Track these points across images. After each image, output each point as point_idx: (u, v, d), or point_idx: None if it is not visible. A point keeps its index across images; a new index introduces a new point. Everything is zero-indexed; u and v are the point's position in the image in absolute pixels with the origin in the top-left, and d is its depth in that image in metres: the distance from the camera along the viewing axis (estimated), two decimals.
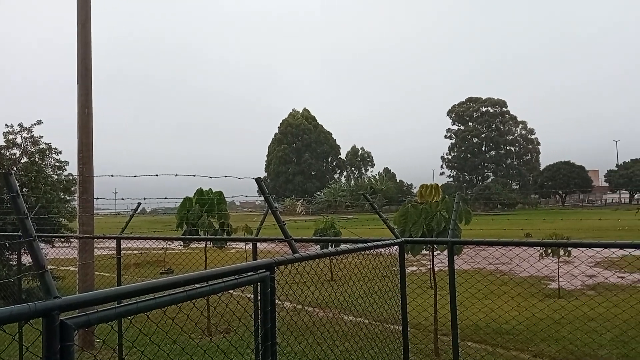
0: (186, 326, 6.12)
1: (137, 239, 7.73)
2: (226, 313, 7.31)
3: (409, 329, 7.81)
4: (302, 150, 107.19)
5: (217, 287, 2.43)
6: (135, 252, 16.41)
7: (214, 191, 9.73)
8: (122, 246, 7.77)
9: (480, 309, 7.17)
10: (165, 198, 5.22)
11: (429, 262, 8.99)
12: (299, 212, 74.90)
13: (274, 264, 2.72)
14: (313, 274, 4.15)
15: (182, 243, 11.07)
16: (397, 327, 5.27)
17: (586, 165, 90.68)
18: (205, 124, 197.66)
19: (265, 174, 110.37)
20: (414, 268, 14.89)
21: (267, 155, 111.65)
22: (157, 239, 7.70)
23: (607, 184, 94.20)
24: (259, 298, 2.74)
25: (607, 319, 7.71)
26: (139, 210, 8.30)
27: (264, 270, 2.71)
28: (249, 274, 2.67)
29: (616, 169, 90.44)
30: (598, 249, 4.92)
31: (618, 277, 13.02)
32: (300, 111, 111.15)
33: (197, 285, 2.33)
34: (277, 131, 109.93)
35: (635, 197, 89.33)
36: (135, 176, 3.67)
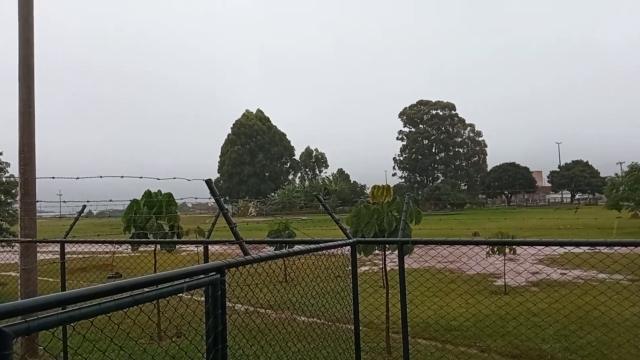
0: (135, 331, 5.96)
1: (83, 242, 7.47)
2: (177, 317, 7.17)
3: (362, 328, 7.89)
4: (256, 151, 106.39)
5: (166, 291, 2.38)
6: (81, 256, 15.82)
7: (163, 193, 9.51)
8: (66, 250, 7.48)
9: (430, 306, 7.34)
10: (110, 200, 5.05)
11: (381, 262, 9.13)
12: (250, 214, 74.20)
13: (224, 266, 2.70)
14: (266, 275, 4.14)
15: (130, 246, 10.77)
16: (349, 327, 5.33)
17: (530, 166, 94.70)
18: (152, 123, 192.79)
19: (219, 175, 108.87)
20: (367, 268, 15.08)
21: (220, 156, 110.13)
22: (103, 242, 7.46)
23: (550, 185, 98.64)
24: (210, 301, 2.71)
25: (549, 314, 8.08)
26: (84, 212, 8.01)
27: (214, 273, 2.68)
28: (200, 276, 2.63)
29: (558, 170, 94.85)
30: (540, 247, 5.14)
31: (560, 273, 13.64)
32: (254, 112, 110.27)
33: (145, 289, 2.28)
34: (230, 132, 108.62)
35: (577, 197, 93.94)
36: (77, 178, 3.54)
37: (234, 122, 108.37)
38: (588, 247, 5.15)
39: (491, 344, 7.39)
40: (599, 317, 7.91)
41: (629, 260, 8.19)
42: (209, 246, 8.00)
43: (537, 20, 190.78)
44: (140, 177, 3.33)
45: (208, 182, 3.00)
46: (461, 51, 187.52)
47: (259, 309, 7.97)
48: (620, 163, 79.36)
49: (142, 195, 9.39)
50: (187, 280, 2.51)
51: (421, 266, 10.11)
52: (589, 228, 24.74)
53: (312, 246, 4.05)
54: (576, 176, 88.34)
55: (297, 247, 4.35)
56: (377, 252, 8.18)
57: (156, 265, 9.29)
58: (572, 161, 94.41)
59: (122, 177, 3.20)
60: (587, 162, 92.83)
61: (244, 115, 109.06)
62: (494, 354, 7.03)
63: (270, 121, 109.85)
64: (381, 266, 9.08)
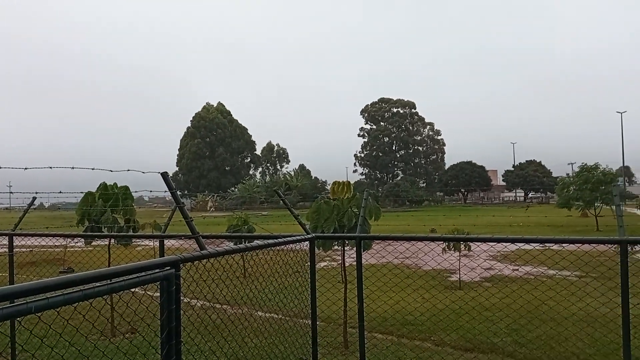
0: (87, 327, 5.79)
1: (33, 235, 7.19)
2: (131, 313, 7.00)
3: (320, 323, 7.92)
4: (216, 145, 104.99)
5: (118, 285, 2.32)
6: (31, 249, 15.23)
7: (119, 186, 9.26)
8: (15, 243, 7.19)
9: (386, 301, 7.45)
10: (60, 192, 4.88)
11: (340, 257, 9.19)
12: (209, 208, 73.15)
13: (179, 261, 2.65)
14: (222, 271, 4.10)
15: (83, 240, 10.44)
16: (307, 322, 5.35)
17: (486, 165, 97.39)
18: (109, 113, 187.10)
19: (177, 169, 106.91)
20: (327, 263, 15.16)
21: (178, 150, 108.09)
22: (55, 235, 7.21)
23: (504, 183, 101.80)
24: (164, 296, 2.66)
25: (501, 308, 8.34)
26: (35, 205, 7.70)
27: (169, 267, 2.63)
28: (154, 271, 2.58)
29: (513, 169, 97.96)
30: (492, 243, 5.30)
31: (512, 269, 14.09)
32: (215, 105, 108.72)
33: (97, 284, 2.21)
34: (189, 125, 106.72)
35: (530, 195, 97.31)
36: (25, 168, 3.40)
37: (193, 115, 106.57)
38: (538, 244, 5.35)
39: (445, 338, 7.57)
40: (547, 312, 8.24)
41: (576, 256, 8.57)
42: (165, 241, 7.85)
43: (492, 26, 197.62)
44: (92, 169, 3.23)
45: (164, 175, 2.94)
46: (421, 52, 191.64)
47: (216, 305, 7.89)
48: (572, 164, 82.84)
49: (97, 188, 9.12)
50: (140, 274, 2.46)
51: (379, 262, 10.24)
52: (541, 226, 25.66)
53: (270, 241, 4.04)
54: (529, 175, 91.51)
55: (256, 242, 4.32)
56: (337, 247, 8.24)
57: (110, 260, 9.05)
58: (526, 161, 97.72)
59: (72, 167, 3.10)
60: (540, 162, 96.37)
61: (204, 108, 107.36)
62: (448, 348, 7.20)
63: (231, 115, 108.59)
64: (340, 261, 9.15)
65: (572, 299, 8.26)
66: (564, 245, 5.50)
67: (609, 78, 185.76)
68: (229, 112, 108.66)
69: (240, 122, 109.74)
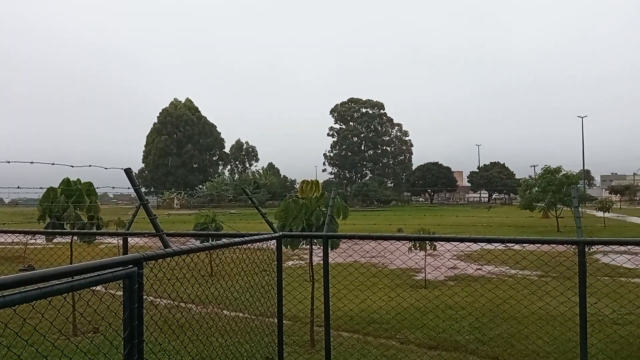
0: (47, 326, 5.63)
1: None
2: (94, 312, 6.85)
3: (287, 322, 7.91)
4: (184, 142, 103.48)
5: (78, 284, 2.27)
6: None
7: (82, 182, 9.02)
8: None
9: (351, 299, 7.51)
10: (19, 187, 4.72)
11: (309, 256, 9.21)
12: (175, 206, 71.88)
13: (142, 259, 2.61)
14: (187, 269, 4.05)
15: (44, 237, 10.13)
16: (273, 320, 5.34)
17: (452, 166, 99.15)
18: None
19: (143, 166, 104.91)
20: (295, 262, 15.16)
21: (145, 146, 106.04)
22: (14, 232, 6.98)
23: (469, 184, 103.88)
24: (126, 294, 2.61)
25: (463, 307, 8.52)
26: None
27: (131, 265, 2.59)
28: (117, 269, 2.53)
29: (477, 170, 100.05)
30: (455, 243, 5.40)
31: (475, 269, 14.40)
32: (183, 101, 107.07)
33: (56, 282, 2.16)
34: (156, 121, 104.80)
35: (494, 196, 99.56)
36: None
37: (160, 110, 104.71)
38: (501, 244, 5.48)
39: (410, 336, 7.68)
40: (508, 311, 8.45)
41: (536, 256, 8.84)
42: (131, 239, 7.70)
43: (457, 30, 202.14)
44: (53, 164, 3.14)
45: (127, 171, 2.89)
46: (386, 52, 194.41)
47: (182, 304, 7.79)
48: (534, 166, 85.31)
49: (60, 183, 8.86)
50: (102, 272, 2.41)
51: (345, 260, 10.31)
52: (503, 226, 26.27)
53: (236, 239, 4.02)
54: (493, 177, 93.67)
55: (222, 241, 4.29)
56: (306, 246, 8.25)
57: (72, 257, 8.82)
58: (490, 163, 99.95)
59: (32, 162, 3.00)
60: (504, 164, 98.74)
61: (171, 104, 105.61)
62: (412, 346, 7.30)
63: (199, 111, 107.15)
64: (308, 260, 9.16)
65: (532, 298, 8.51)
66: (524, 245, 5.66)
67: (567, 82, 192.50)
68: (197, 108, 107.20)
69: (209, 119, 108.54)
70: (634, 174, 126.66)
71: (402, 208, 74.50)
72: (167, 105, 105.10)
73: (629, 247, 17.40)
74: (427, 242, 11.68)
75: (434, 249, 13.33)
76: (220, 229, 14.56)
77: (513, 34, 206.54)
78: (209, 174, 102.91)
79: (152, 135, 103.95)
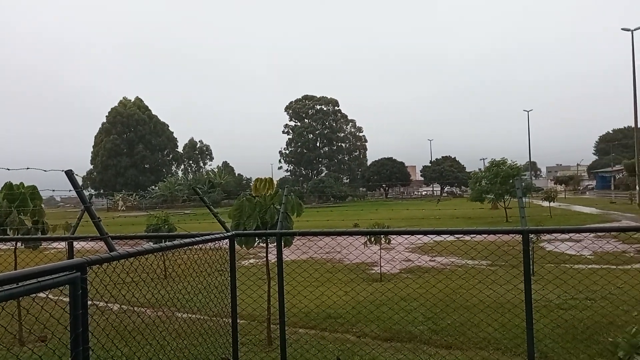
0: None
1: None
2: (43, 320, 6.57)
3: (243, 321, 7.86)
4: (135, 142, 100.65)
5: (17, 291, 2.19)
6: None
7: (26, 185, 8.64)
8: None
9: (306, 296, 7.54)
10: None
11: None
12: (119, 208, 69.67)
13: (85, 263, 2.54)
14: (140, 272, 3.96)
15: None
16: (228, 320, 5.30)
17: (406, 161, 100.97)
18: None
19: (92, 167, 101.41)
20: (252, 260, 15.07)
21: (93, 147, 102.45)
22: None
23: (422, 178, 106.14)
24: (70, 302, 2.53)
25: (415, 298, 8.71)
26: None
27: (74, 270, 2.51)
28: (59, 275, 2.45)
29: (430, 165, 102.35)
30: (407, 236, 5.52)
31: (428, 260, 14.73)
32: (132, 100, 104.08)
33: None
34: (104, 120, 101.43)
35: (446, 189, 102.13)
36: None
37: (109, 110, 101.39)
38: (453, 236, 5.63)
39: (366, 329, 7.79)
40: (459, 300, 8.72)
41: (483, 246, 9.16)
42: (77, 243, 7.45)
43: (406, 30, 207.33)
44: None
45: (68, 173, 2.79)
46: (335, 50, 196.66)
47: (134, 308, 7.60)
48: (483, 159, 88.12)
49: (2, 188, 8.47)
50: (42, 279, 2.32)
51: (298, 257, 10.33)
52: (455, 218, 27.01)
53: (186, 240, 3.96)
54: (445, 171, 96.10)
55: (173, 242, 4.21)
56: (263, 245, 8.21)
57: (16, 264, 8.45)
58: (442, 157, 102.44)
59: None
60: (455, 158, 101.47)
61: (121, 103, 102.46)
62: (368, 338, 7.41)
63: (150, 110, 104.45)
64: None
65: (481, 287, 8.81)
66: (472, 236, 5.85)
67: (512, 82, 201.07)
68: (147, 107, 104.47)
69: (160, 118, 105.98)
70: (577, 164, 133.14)
71: (358, 203, 75.32)
72: (116, 105, 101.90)
73: (570, 234, 18.23)
74: (381, 236, 11.87)
75: (388, 243, 13.55)
76: (174, 230, 14.29)
77: (460, 39, 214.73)
78: (161, 174, 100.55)
79: (101, 136, 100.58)
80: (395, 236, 12.30)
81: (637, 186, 42.59)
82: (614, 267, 11.51)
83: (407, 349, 6.78)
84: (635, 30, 42.56)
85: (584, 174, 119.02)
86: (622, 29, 43.15)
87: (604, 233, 17.42)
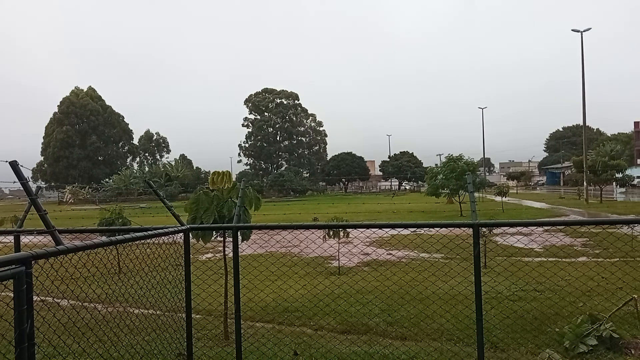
0: None
1: None
2: None
3: (200, 316, 7.79)
4: (88, 133, 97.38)
5: None
6: None
7: None
8: None
9: (262, 289, 7.54)
10: None
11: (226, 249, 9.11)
12: (66, 200, 67.22)
13: (30, 257, 2.46)
14: (89, 267, 3.86)
15: None
16: (183, 316, 5.24)
17: (365, 156, 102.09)
18: None
19: (42, 158, 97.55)
20: (211, 255, 14.90)
21: (43, 138, 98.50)
22: None
23: (381, 173, 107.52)
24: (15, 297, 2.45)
25: (370, 290, 8.85)
26: None
27: (18, 265, 2.42)
28: (2, 269, 2.36)
29: (388, 159, 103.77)
30: (362, 229, 5.59)
31: (386, 253, 14.96)
32: (85, 89, 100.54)
33: None
34: (56, 110, 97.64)
35: (404, 184, 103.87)
36: None
37: (61, 99, 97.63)
38: (408, 230, 5.74)
39: (322, 322, 7.86)
40: (413, 292, 8.90)
41: (435, 239, 9.39)
42: (24, 237, 7.18)
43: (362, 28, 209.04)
44: None
45: (12, 164, 2.69)
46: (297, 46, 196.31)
47: (85, 303, 7.39)
48: (440, 155, 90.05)
49: None
50: None
51: (254, 251, 10.30)
52: (412, 212, 27.57)
53: (139, 234, 3.88)
54: (403, 166, 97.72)
55: (125, 236, 4.12)
56: (220, 238, 8.13)
57: None
58: (400, 152, 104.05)
59: None
60: (412, 153, 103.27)
61: (72, 92, 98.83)
62: (325, 332, 7.47)
63: (103, 100, 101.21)
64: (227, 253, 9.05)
65: (433, 279, 9.03)
66: (426, 229, 5.99)
67: (464, 78, 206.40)
68: (100, 97, 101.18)
69: (115, 109, 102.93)
70: (529, 161, 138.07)
71: (318, 197, 75.57)
72: (68, 94, 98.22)
73: (518, 228, 18.84)
74: (340, 229, 11.96)
75: (347, 237, 13.68)
76: (128, 224, 13.95)
77: (407, 18, 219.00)
78: (116, 167, 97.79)
79: (52, 126, 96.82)
80: (353, 230, 12.42)
81: (584, 182, 44.48)
82: (561, 259, 12.03)
83: (363, 340, 6.88)
84: (584, 31, 44.28)
85: (534, 170, 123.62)
86: (572, 30, 44.81)
87: (551, 227, 18.14)
